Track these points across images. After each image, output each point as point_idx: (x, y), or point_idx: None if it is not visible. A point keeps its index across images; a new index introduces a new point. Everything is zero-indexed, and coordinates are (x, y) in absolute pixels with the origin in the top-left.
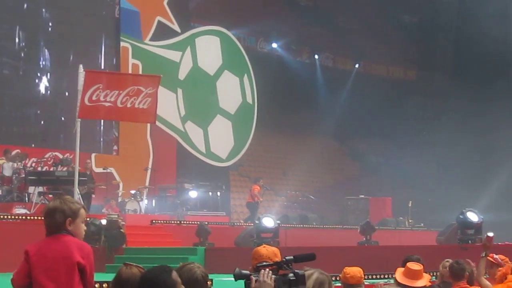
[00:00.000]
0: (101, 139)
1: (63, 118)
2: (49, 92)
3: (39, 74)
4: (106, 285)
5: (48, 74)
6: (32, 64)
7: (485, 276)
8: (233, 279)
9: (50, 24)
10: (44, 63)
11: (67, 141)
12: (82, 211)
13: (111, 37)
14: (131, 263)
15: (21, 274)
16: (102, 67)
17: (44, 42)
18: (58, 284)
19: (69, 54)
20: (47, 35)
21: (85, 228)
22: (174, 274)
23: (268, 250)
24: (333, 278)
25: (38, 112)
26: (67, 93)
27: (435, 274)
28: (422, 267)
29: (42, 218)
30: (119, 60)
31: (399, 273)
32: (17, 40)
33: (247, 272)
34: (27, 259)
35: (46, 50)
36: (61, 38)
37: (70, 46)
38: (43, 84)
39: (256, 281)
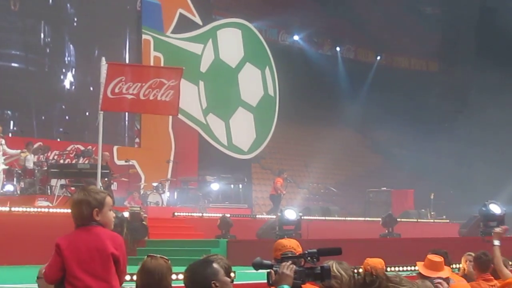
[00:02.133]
0: (126, 133)
1: (87, 113)
2: (73, 87)
3: (64, 70)
4: (129, 277)
5: (73, 69)
6: (57, 60)
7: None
8: (255, 271)
9: (75, 19)
10: (69, 58)
11: (90, 134)
12: (108, 199)
13: (134, 30)
14: (155, 255)
15: (54, 268)
16: (127, 61)
17: (69, 37)
18: (95, 276)
19: (94, 49)
20: (72, 30)
21: (113, 215)
22: (216, 264)
23: (290, 241)
24: (355, 271)
25: (63, 107)
26: (91, 88)
27: (458, 266)
28: (442, 259)
29: (69, 210)
30: (141, 53)
31: (420, 266)
32: (42, 35)
33: (269, 262)
34: (59, 252)
35: (71, 45)
36: (86, 33)
37: (95, 41)
38: (68, 79)
39: (276, 272)
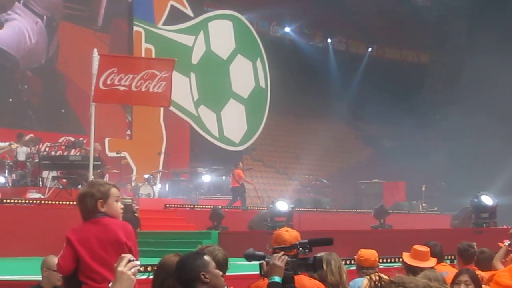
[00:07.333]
0: (115, 124)
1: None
2: None
3: None
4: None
5: None
6: None
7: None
8: (247, 262)
9: None
10: None
11: (82, 126)
12: (114, 190)
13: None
14: (178, 253)
15: (68, 259)
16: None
17: None
18: (110, 267)
19: None
20: None
21: (121, 206)
22: (207, 256)
23: (291, 235)
24: (348, 262)
25: None
26: None
27: (449, 257)
28: (428, 249)
29: (60, 202)
30: (132, 45)
31: (406, 256)
32: None
33: (261, 253)
34: (70, 245)
35: None
36: None
37: None
38: None
39: (267, 263)
